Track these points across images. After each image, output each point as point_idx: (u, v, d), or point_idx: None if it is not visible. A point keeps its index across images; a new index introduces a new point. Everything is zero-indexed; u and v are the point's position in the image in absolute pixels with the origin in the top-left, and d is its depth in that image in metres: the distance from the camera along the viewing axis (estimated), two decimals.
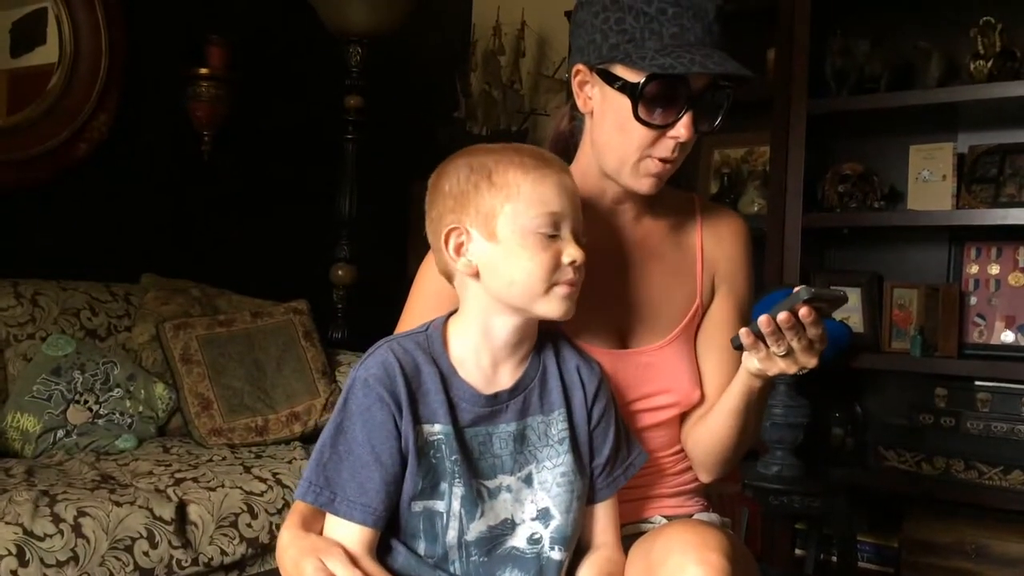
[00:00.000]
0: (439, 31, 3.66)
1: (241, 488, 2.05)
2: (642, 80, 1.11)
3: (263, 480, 2.10)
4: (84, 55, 2.63)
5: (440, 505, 1.05)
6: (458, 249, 1.08)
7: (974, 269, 2.79)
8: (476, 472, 1.07)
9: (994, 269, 2.76)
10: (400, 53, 3.37)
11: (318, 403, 2.51)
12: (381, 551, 1.07)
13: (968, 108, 2.67)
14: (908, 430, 2.75)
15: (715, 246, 1.31)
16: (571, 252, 1.06)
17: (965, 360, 2.68)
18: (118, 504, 1.83)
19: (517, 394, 1.10)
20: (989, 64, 2.55)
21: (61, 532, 1.73)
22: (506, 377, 1.11)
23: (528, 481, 1.09)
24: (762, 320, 1.05)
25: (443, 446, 1.06)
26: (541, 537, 1.08)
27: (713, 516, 1.30)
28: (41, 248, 2.60)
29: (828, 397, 2.84)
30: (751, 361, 1.12)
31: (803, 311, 1.04)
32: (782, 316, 1.04)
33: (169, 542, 1.85)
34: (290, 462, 2.22)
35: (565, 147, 1.29)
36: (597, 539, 1.15)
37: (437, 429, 1.06)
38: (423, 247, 1.19)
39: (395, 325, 1.25)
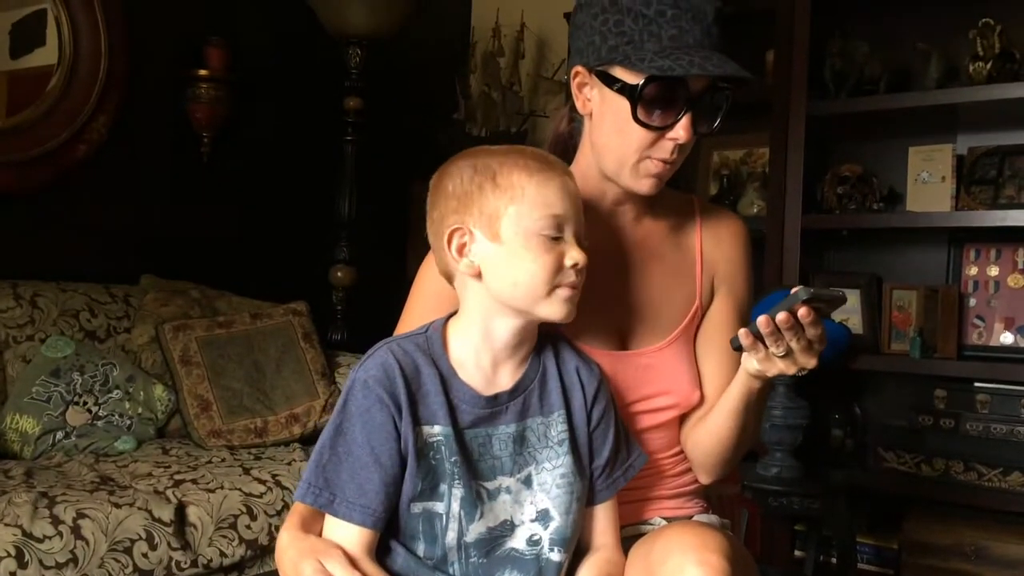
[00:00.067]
0: (438, 33, 3.66)
1: (240, 490, 2.05)
2: (641, 82, 1.12)
3: (262, 482, 2.10)
4: (84, 57, 2.63)
5: (439, 506, 1.06)
6: (461, 250, 1.08)
7: (973, 271, 2.79)
8: (476, 473, 1.07)
9: (993, 271, 2.76)
10: (399, 55, 3.37)
11: (317, 405, 2.51)
12: (380, 552, 1.07)
13: (967, 110, 2.68)
14: (907, 431, 2.75)
15: (714, 247, 1.31)
16: (574, 255, 1.06)
17: (964, 362, 2.68)
18: (117, 506, 1.83)
19: (517, 395, 1.10)
20: (988, 66, 2.55)
21: (60, 534, 1.73)
22: (506, 378, 1.11)
23: (527, 482, 1.09)
24: (761, 321, 1.05)
25: (443, 447, 1.06)
26: (540, 538, 1.08)
27: (713, 518, 1.30)
28: (40, 249, 2.60)
29: (827, 399, 2.84)
30: (750, 362, 1.12)
31: (802, 311, 1.04)
32: (781, 317, 1.04)
33: (168, 544, 1.85)
34: (289, 464, 2.22)
35: (564, 149, 1.30)
36: (597, 541, 1.15)
37: (437, 430, 1.06)
38: (423, 248, 1.19)
39: (394, 326, 1.25)
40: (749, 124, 2.93)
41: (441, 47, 3.68)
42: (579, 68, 1.19)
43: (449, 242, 1.08)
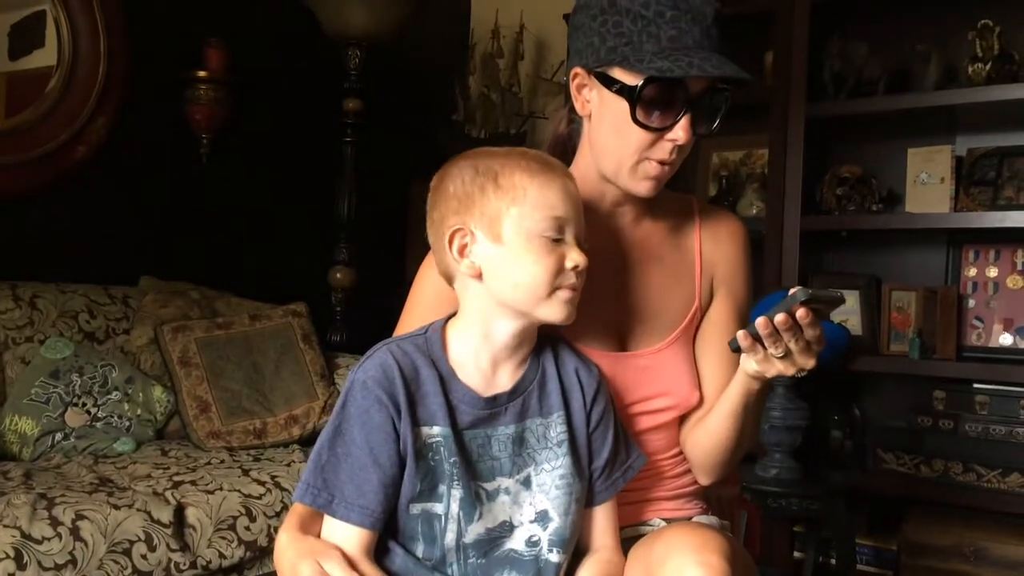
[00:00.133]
0: (438, 34, 3.66)
1: (239, 491, 2.04)
2: (640, 83, 1.12)
3: (261, 483, 2.10)
4: (83, 58, 2.63)
5: (438, 507, 1.06)
6: (462, 250, 1.08)
7: (972, 272, 2.79)
8: (475, 474, 1.07)
9: (992, 272, 2.76)
10: (399, 56, 3.37)
11: (317, 406, 2.51)
12: (379, 553, 1.07)
13: (966, 111, 2.68)
14: (907, 432, 2.75)
15: (713, 248, 1.31)
16: (574, 257, 1.06)
17: (963, 363, 2.68)
18: (116, 507, 1.83)
19: (516, 396, 1.11)
20: (987, 67, 2.55)
21: (59, 535, 1.72)
22: (505, 379, 1.11)
23: (527, 483, 1.09)
24: (760, 322, 1.05)
25: (442, 448, 1.06)
26: (539, 539, 1.09)
27: (712, 519, 1.30)
28: (39, 251, 2.60)
29: (827, 400, 2.84)
30: (749, 363, 1.12)
31: (800, 312, 1.04)
32: (779, 318, 1.04)
33: (167, 545, 1.85)
34: (288, 465, 2.22)
35: (563, 150, 1.30)
36: (596, 542, 1.15)
37: (436, 431, 1.06)
38: (422, 250, 1.19)
39: (394, 328, 1.25)
40: (748, 125, 2.94)
41: (440, 48, 3.68)
42: (578, 69, 1.19)
43: (450, 243, 1.08)
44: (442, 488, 1.05)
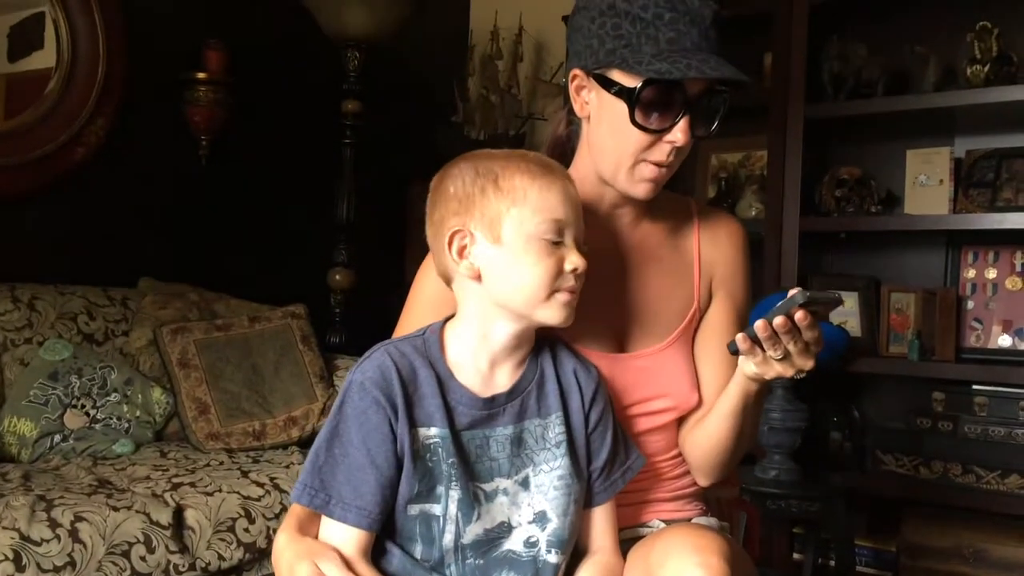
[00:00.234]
0: (437, 36, 3.66)
1: (238, 493, 2.04)
2: (638, 85, 1.12)
3: (260, 485, 2.10)
4: (82, 60, 2.63)
5: (437, 508, 1.06)
6: (461, 252, 1.08)
7: (971, 273, 2.79)
8: (473, 475, 1.07)
9: (991, 273, 2.76)
10: (398, 58, 3.37)
11: (316, 408, 2.51)
12: (376, 554, 1.07)
13: (965, 112, 2.68)
14: (906, 434, 2.75)
15: (712, 249, 1.31)
16: (573, 259, 1.07)
17: (962, 364, 2.68)
18: (115, 509, 1.83)
19: (514, 397, 1.11)
20: (986, 69, 2.55)
21: (58, 537, 1.72)
22: (503, 380, 1.11)
23: (525, 484, 1.09)
24: (759, 325, 1.05)
25: (440, 449, 1.06)
26: (538, 540, 1.09)
27: (711, 520, 1.30)
28: (38, 252, 2.60)
29: (826, 401, 2.84)
30: (748, 365, 1.12)
31: (799, 315, 1.04)
32: (778, 321, 1.04)
33: (166, 547, 1.85)
34: (288, 467, 2.22)
35: (562, 152, 1.30)
36: (595, 543, 1.15)
37: (433, 432, 1.06)
38: (421, 252, 1.19)
39: (393, 329, 1.25)
40: (747, 127, 2.94)
41: (439, 50, 3.68)
42: (577, 71, 1.19)
43: (449, 244, 1.08)
44: (440, 489, 1.05)
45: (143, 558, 1.81)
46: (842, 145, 2.99)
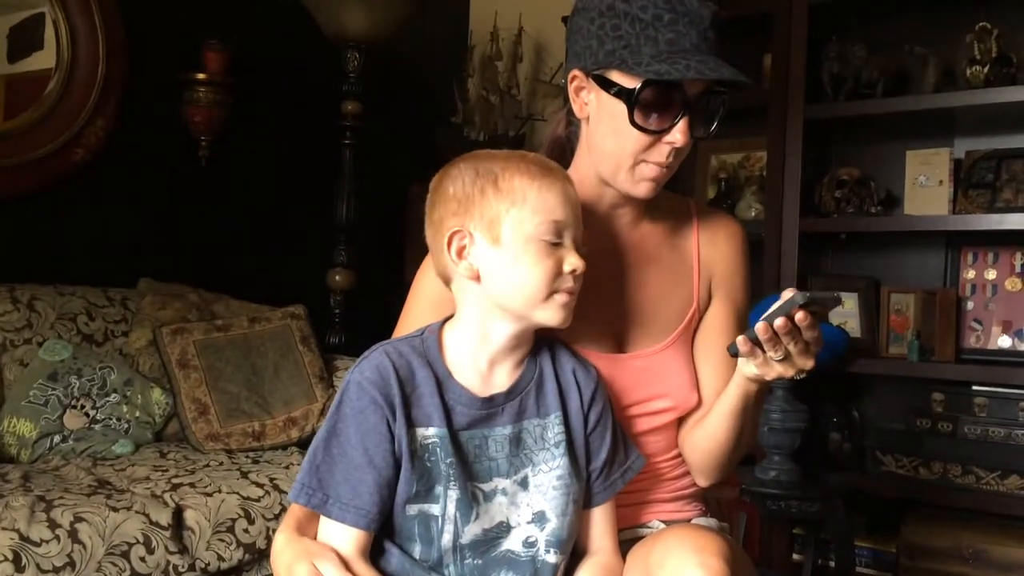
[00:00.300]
0: (436, 36, 3.66)
1: (238, 493, 2.04)
2: (638, 86, 1.12)
3: (260, 485, 2.10)
4: (81, 60, 2.63)
5: (435, 508, 1.06)
6: (460, 252, 1.08)
7: (971, 274, 2.79)
8: (471, 475, 1.07)
9: (991, 274, 2.76)
10: (398, 59, 3.38)
11: (315, 408, 2.51)
12: (375, 554, 1.07)
13: (964, 113, 2.68)
14: (905, 435, 2.75)
15: (711, 250, 1.31)
16: (572, 261, 1.07)
17: (962, 365, 2.69)
18: (115, 509, 1.83)
19: (513, 397, 1.11)
20: (985, 69, 2.55)
21: (57, 538, 1.72)
22: (502, 380, 1.11)
23: (524, 484, 1.09)
24: (759, 327, 1.05)
25: (438, 449, 1.06)
26: (536, 540, 1.09)
27: (711, 521, 1.30)
28: (38, 253, 2.60)
29: (825, 402, 2.84)
30: (748, 366, 1.12)
31: (799, 316, 1.04)
32: (779, 322, 1.04)
33: (166, 547, 1.85)
34: (287, 467, 2.22)
35: (561, 152, 1.30)
36: (594, 544, 1.15)
37: (432, 432, 1.06)
38: (421, 252, 1.19)
39: (393, 330, 1.25)
40: (747, 128, 2.94)
41: (439, 51, 3.68)
42: (576, 72, 1.19)
43: (449, 244, 1.08)
44: (439, 489, 1.05)
45: (142, 559, 1.81)
46: (842, 146, 2.99)
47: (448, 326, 1.13)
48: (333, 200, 3.12)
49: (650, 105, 1.13)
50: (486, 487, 1.08)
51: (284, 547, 1.07)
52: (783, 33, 2.79)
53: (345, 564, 1.02)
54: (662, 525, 1.24)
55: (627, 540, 1.19)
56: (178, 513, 1.92)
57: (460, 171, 1.10)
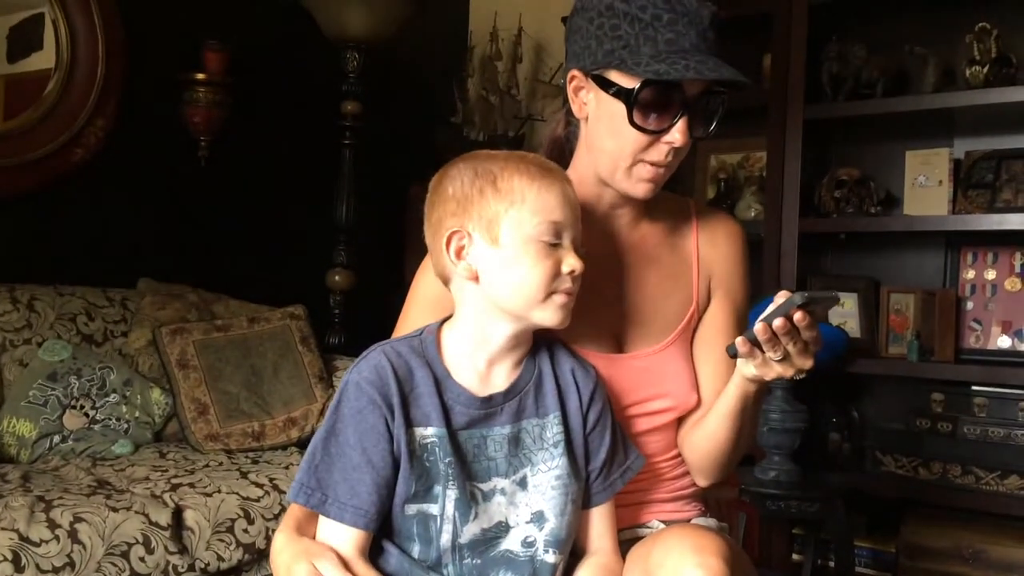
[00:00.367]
0: (436, 37, 3.66)
1: (238, 494, 2.04)
2: (637, 86, 1.12)
3: (260, 486, 2.10)
4: (81, 61, 2.63)
5: (434, 508, 1.06)
6: (459, 252, 1.08)
7: (970, 274, 2.79)
8: (470, 475, 1.07)
9: (990, 274, 2.76)
10: (397, 59, 3.38)
11: (315, 408, 2.51)
12: (374, 553, 1.07)
13: (964, 114, 2.68)
14: (905, 435, 2.75)
15: (711, 250, 1.31)
16: (571, 262, 1.07)
17: (962, 365, 2.69)
18: (114, 510, 1.83)
19: (512, 397, 1.11)
20: (985, 70, 2.55)
21: (57, 538, 1.72)
22: (501, 380, 1.11)
23: (522, 484, 1.09)
24: (758, 328, 1.05)
25: (437, 449, 1.06)
26: (535, 540, 1.09)
27: (711, 520, 1.30)
28: (37, 253, 2.60)
29: (825, 402, 2.84)
30: (747, 367, 1.12)
31: (798, 316, 1.04)
32: (778, 323, 1.04)
33: (165, 548, 1.85)
34: (287, 468, 2.22)
35: (560, 152, 1.30)
36: (594, 544, 1.15)
37: (430, 432, 1.06)
38: (421, 252, 1.19)
39: (392, 330, 1.25)
40: (747, 128, 2.94)
41: (439, 51, 3.68)
42: (575, 72, 1.20)
43: (447, 245, 1.08)
44: (437, 489, 1.06)
45: (142, 559, 1.81)
46: (841, 146, 2.99)
47: (447, 326, 1.13)
48: (333, 200, 3.12)
49: (649, 105, 1.13)
50: (485, 487, 1.08)
51: (283, 547, 1.07)
52: (783, 33, 2.79)
53: (344, 564, 1.03)
54: (662, 525, 1.24)
55: (627, 540, 1.19)
56: (178, 513, 1.92)
57: (459, 171, 1.10)
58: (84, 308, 2.45)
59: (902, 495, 2.67)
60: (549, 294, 1.07)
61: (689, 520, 1.28)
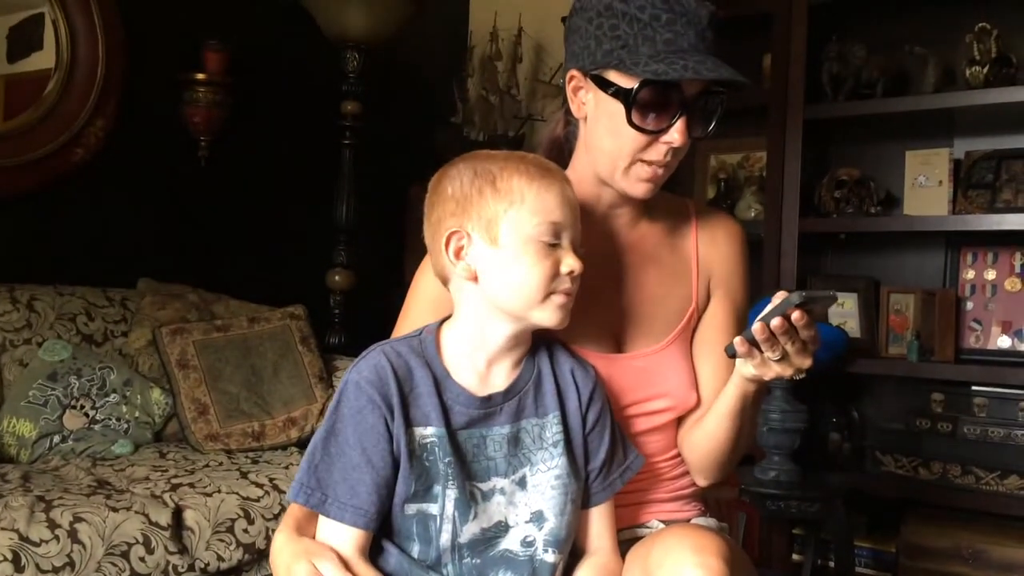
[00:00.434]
0: (436, 37, 3.66)
1: (238, 494, 2.04)
2: (635, 86, 1.12)
3: (260, 486, 2.10)
4: (81, 61, 2.63)
5: (433, 508, 1.06)
6: (458, 253, 1.08)
7: (970, 274, 2.79)
8: (469, 474, 1.07)
9: (990, 274, 2.76)
10: (397, 59, 3.38)
11: (315, 408, 2.51)
12: (374, 553, 1.07)
13: (964, 114, 2.68)
14: (905, 435, 2.75)
15: (710, 249, 1.31)
16: (570, 262, 1.07)
17: (962, 365, 2.68)
18: (114, 510, 1.83)
19: (511, 397, 1.11)
20: (985, 70, 2.55)
21: (57, 538, 1.72)
22: (500, 380, 1.11)
23: (522, 483, 1.10)
24: (756, 327, 1.05)
25: (436, 448, 1.06)
26: (534, 539, 1.09)
27: (710, 520, 1.30)
28: (37, 253, 2.60)
29: (825, 402, 2.84)
30: (746, 367, 1.12)
31: (796, 315, 1.04)
32: (776, 322, 1.04)
33: (165, 548, 1.85)
34: (287, 468, 2.22)
35: (560, 152, 1.30)
36: (593, 544, 1.15)
37: (430, 432, 1.06)
38: (421, 253, 1.19)
39: (392, 330, 1.25)
40: (747, 128, 2.94)
41: (439, 51, 3.68)
42: (574, 72, 1.20)
43: (447, 245, 1.08)
44: (437, 488, 1.06)
45: (142, 559, 1.81)
46: (841, 146, 2.99)
47: (446, 326, 1.13)
48: (333, 200, 3.12)
49: (648, 105, 1.13)
50: (484, 487, 1.08)
51: (283, 547, 1.07)
52: (783, 33, 2.79)
53: (344, 563, 1.03)
54: (661, 525, 1.24)
55: (626, 540, 1.19)
56: (178, 513, 1.92)
57: (458, 171, 1.10)
58: (84, 308, 2.45)
59: (902, 495, 2.67)
60: (548, 294, 1.07)
61: (689, 520, 1.28)
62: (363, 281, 3.17)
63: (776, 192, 2.81)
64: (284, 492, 2.10)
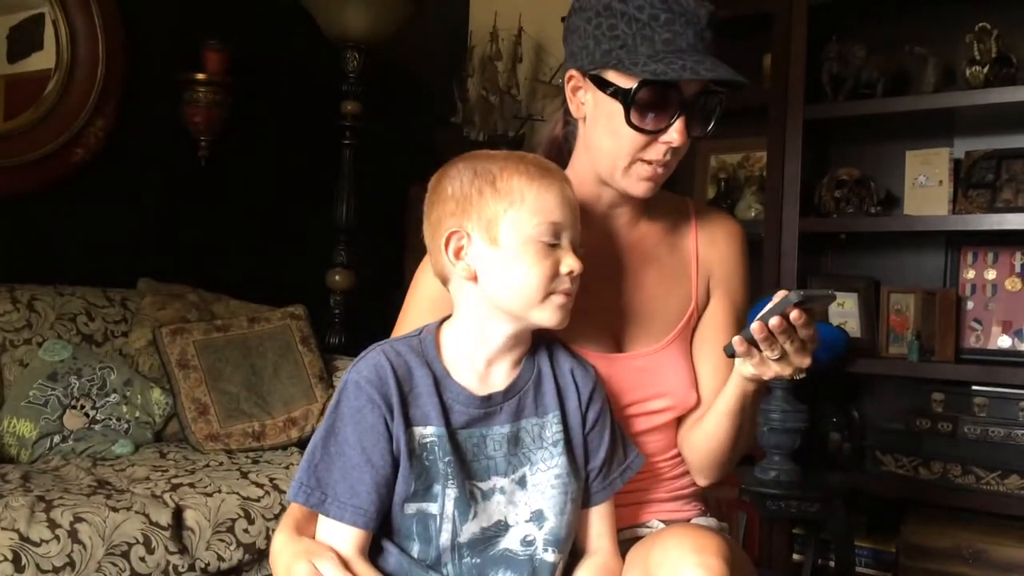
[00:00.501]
0: (436, 37, 3.66)
1: (238, 494, 2.04)
2: (634, 86, 1.12)
3: (260, 486, 2.10)
4: (81, 61, 2.63)
5: (433, 507, 1.06)
6: (457, 252, 1.08)
7: (971, 274, 2.79)
8: (469, 474, 1.07)
9: (991, 274, 2.76)
10: (397, 59, 3.38)
11: (315, 408, 2.51)
12: (374, 553, 1.07)
13: (964, 113, 2.68)
14: (905, 435, 2.75)
15: (710, 249, 1.31)
16: (569, 262, 1.07)
17: (962, 365, 2.68)
18: (114, 510, 1.83)
19: (511, 396, 1.11)
20: (985, 70, 2.55)
21: (57, 538, 1.72)
22: (500, 379, 1.11)
23: (522, 483, 1.10)
24: (755, 327, 1.05)
25: (436, 448, 1.06)
26: (534, 539, 1.09)
27: (711, 520, 1.30)
28: (37, 253, 2.60)
29: (825, 402, 2.84)
30: (745, 366, 1.12)
31: (794, 314, 1.04)
32: (774, 322, 1.04)
33: (166, 548, 1.85)
34: (287, 468, 2.22)
35: (559, 152, 1.30)
36: (593, 544, 1.15)
37: (430, 431, 1.06)
38: (421, 253, 1.19)
39: (392, 330, 1.25)
40: (747, 128, 2.94)
41: (439, 51, 3.68)
42: (573, 72, 1.20)
43: (446, 245, 1.09)
44: (437, 488, 1.06)
45: (142, 559, 1.81)
46: (841, 146, 2.99)
47: (446, 326, 1.13)
48: (333, 200, 3.12)
49: (647, 105, 1.13)
50: (484, 486, 1.08)
51: (283, 546, 1.07)
52: (783, 33, 2.79)
53: (344, 563, 1.03)
54: (661, 525, 1.24)
55: (626, 540, 1.19)
56: (178, 513, 1.92)
57: (458, 171, 1.10)
58: (84, 308, 2.45)
59: (902, 495, 2.67)
60: (548, 294, 1.07)
61: (689, 520, 1.28)
62: (363, 281, 3.17)
63: (776, 192, 2.81)
64: (284, 492, 2.10)
